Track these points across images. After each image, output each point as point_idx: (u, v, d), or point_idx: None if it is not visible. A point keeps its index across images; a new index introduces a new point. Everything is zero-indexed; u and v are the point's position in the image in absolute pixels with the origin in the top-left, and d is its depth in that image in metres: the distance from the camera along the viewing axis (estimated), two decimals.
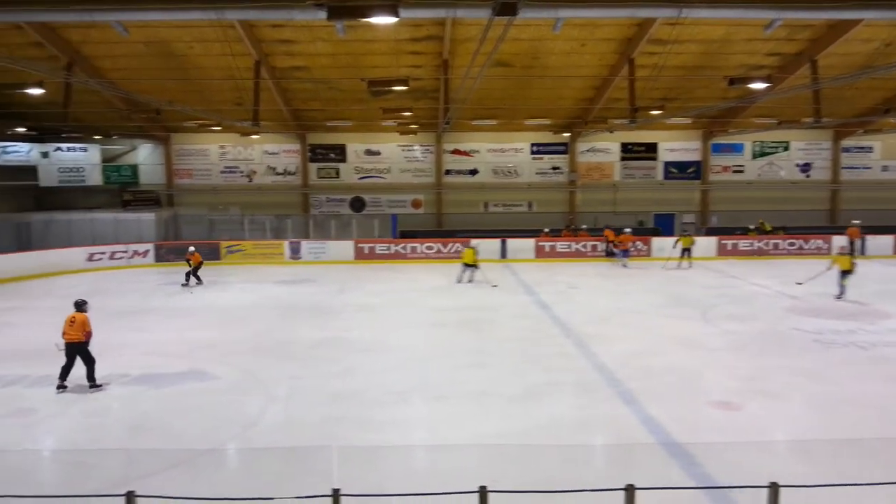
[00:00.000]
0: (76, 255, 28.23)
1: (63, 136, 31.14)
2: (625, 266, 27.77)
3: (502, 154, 36.33)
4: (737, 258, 30.47)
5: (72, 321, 12.22)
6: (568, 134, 35.54)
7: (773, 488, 5.94)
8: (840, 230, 31.89)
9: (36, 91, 20.10)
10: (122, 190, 34.83)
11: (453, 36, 25.05)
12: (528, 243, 30.93)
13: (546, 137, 36.00)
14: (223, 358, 14.48)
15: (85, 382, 12.16)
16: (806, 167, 36.86)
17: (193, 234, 33.89)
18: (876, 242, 31.14)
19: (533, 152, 36.42)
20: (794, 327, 16.76)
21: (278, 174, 36.24)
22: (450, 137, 35.69)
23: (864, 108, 32.88)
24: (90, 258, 28.41)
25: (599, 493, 6.59)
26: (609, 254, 30.20)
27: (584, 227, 33.61)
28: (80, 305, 12.57)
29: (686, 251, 27.72)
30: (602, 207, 36.32)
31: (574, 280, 24.84)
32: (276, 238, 32.43)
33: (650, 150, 36.55)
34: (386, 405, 11.45)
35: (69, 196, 34.25)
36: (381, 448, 9.63)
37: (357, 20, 17.53)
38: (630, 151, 36.52)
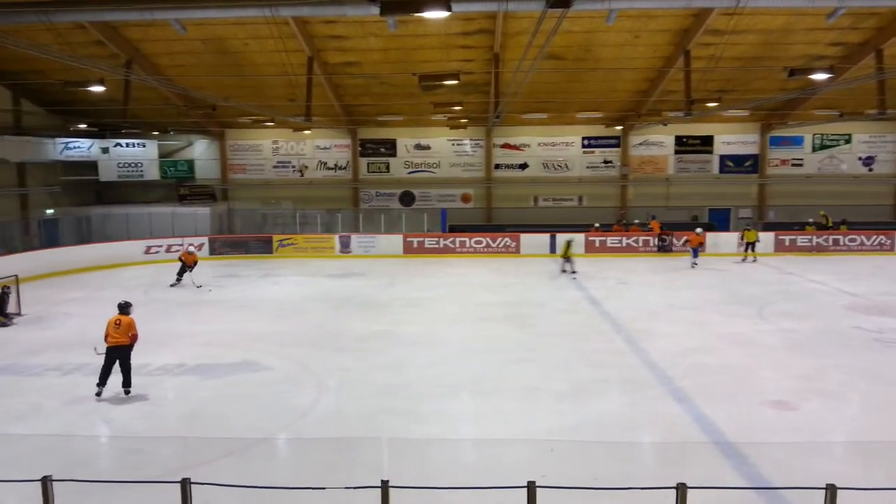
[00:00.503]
0: (134, 247, 29.05)
1: (122, 132, 32.08)
2: (694, 265, 26.35)
3: (553, 148, 36.00)
4: (794, 254, 29.63)
5: (117, 323, 11.59)
6: (620, 127, 35.03)
7: (831, 490, 5.77)
8: None
9: (97, 88, 20.71)
10: (178, 184, 35.68)
11: (504, 29, 24.90)
12: (578, 238, 30.58)
13: (598, 131, 35.54)
14: (276, 349, 14.74)
15: (143, 373, 12.42)
16: (869, 160, 35.58)
17: (247, 228, 34.62)
18: None
19: (584, 146, 35.99)
20: (853, 325, 16.25)
21: (329, 169, 36.63)
22: (500, 131, 35.54)
23: None
24: (147, 251, 29.20)
25: (648, 491, 6.50)
26: (661, 248, 29.66)
27: (636, 221, 33.11)
28: (125, 307, 11.91)
29: (750, 245, 27.12)
30: (655, 202, 35.70)
31: (624, 276, 24.52)
32: (326, 232, 32.82)
33: (705, 143, 35.74)
34: (434, 398, 11.50)
35: (128, 190, 35.32)
36: (430, 441, 9.67)
37: (409, 15, 17.61)
38: (684, 144, 35.78)
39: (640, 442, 10.05)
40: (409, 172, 36.47)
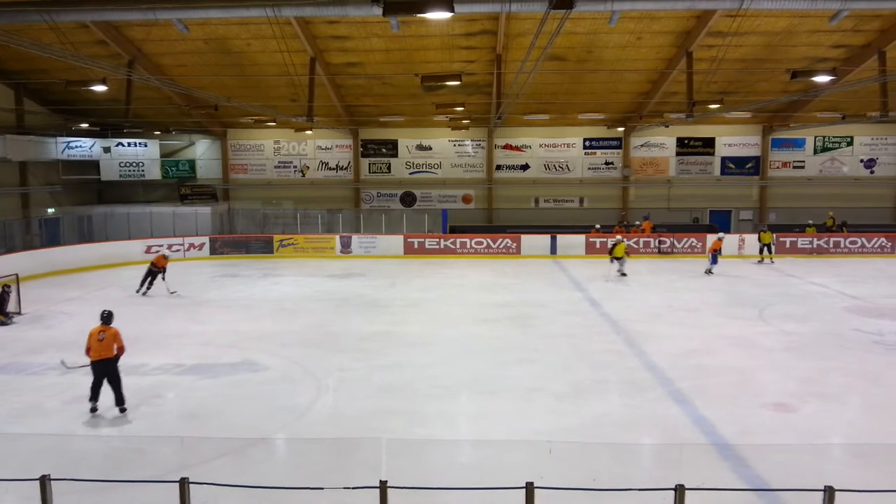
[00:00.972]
0: (135, 247, 29.04)
1: (124, 131, 32.12)
2: (710, 273, 24.99)
3: (554, 149, 36.00)
4: (795, 256, 29.59)
5: (100, 335, 10.70)
6: (622, 128, 35.02)
7: (829, 492, 5.76)
8: None
9: (99, 88, 20.69)
10: (179, 184, 35.72)
11: (507, 31, 24.91)
12: (579, 239, 30.60)
13: (599, 132, 35.54)
14: (275, 349, 14.74)
15: (141, 373, 12.42)
16: (870, 163, 35.54)
17: (247, 227, 34.63)
18: None
19: (585, 147, 35.99)
20: (853, 328, 16.24)
21: (330, 169, 36.65)
22: (501, 132, 35.56)
23: None
24: (148, 250, 29.15)
25: (647, 492, 6.50)
26: (661, 251, 29.63)
27: (636, 223, 33.10)
28: (108, 318, 11.04)
29: (766, 247, 27.12)
30: (656, 203, 35.70)
31: (625, 277, 24.49)
32: (327, 232, 32.83)
33: (707, 144, 35.74)
34: (434, 399, 11.50)
35: (129, 190, 35.40)
36: (429, 441, 9.67)
37: (412, 15, 17.62)
38: (686, 146, 35.78)
39: (639, 443, 10.03)
40: (411, 173, 36.49)
